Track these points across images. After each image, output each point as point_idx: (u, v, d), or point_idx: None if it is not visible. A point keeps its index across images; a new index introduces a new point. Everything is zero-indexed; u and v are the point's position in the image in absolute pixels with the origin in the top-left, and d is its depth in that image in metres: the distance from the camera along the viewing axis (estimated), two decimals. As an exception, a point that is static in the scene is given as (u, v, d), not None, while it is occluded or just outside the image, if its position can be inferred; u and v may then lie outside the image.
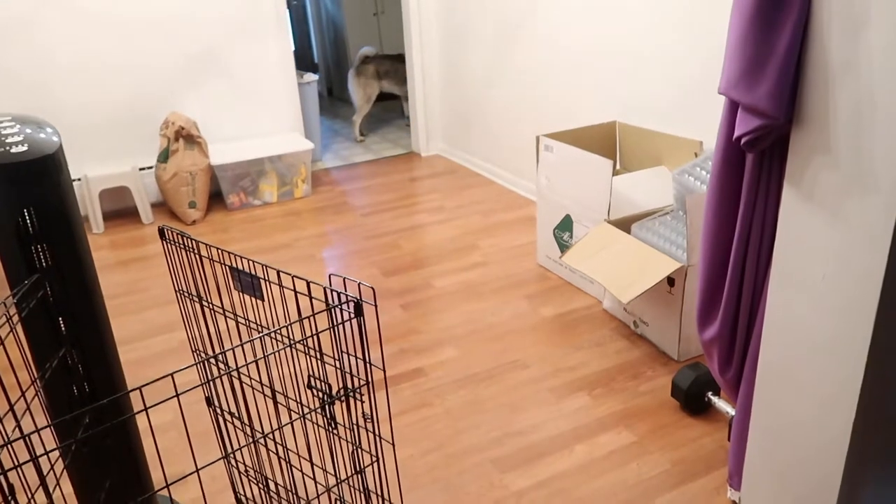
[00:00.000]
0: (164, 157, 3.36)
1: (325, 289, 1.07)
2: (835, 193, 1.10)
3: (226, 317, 1.38)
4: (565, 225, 2.58)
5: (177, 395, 0.87)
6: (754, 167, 1.28)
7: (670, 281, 2.01)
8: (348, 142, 4.71)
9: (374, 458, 1.12)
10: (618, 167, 2.77)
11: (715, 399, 1.78)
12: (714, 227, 1.40)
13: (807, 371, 1.22)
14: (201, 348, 1.47)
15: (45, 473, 0.91)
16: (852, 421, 1.15)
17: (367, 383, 1.10)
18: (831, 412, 1.18)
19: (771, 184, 1.26)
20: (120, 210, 3.47)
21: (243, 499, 1.52)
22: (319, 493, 1.35)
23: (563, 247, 2.59)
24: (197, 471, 0.91)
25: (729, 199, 1.36)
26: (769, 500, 1.37)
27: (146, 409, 0.86)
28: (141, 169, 3.46)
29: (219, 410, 1.38)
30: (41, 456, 0.79)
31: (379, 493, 1.13)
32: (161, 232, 1.46)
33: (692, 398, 1.80)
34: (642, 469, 1.66)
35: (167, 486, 0.86)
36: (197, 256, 1.39)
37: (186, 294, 1.50)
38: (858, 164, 1.06)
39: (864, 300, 1.10)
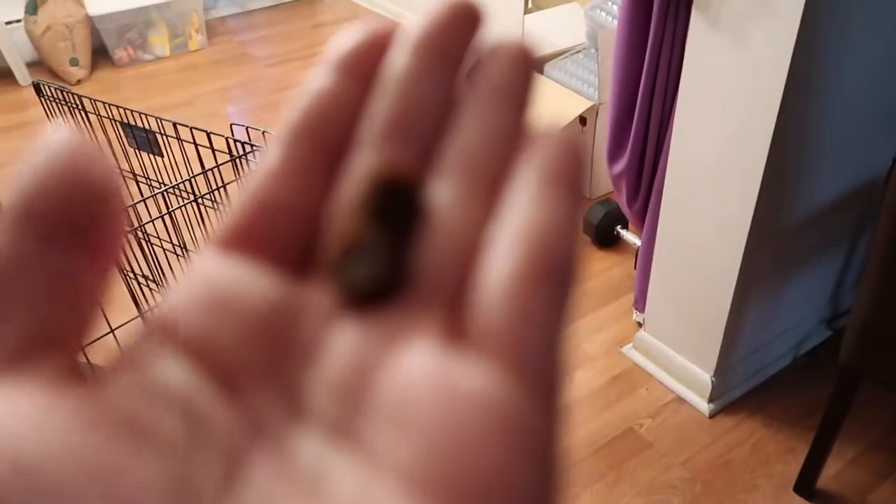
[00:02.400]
0: (33, 7, 2.99)
1: (227, 139, 1.02)
2: (740, 17, 1.10)
3: (125, 179, 1.30)
4: (478, 68, 2.51)
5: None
6: (664, -5, 1.26)
7: (582, 120, 2.03)
8: (243, -14, 4.31)
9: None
10: (529, 5, 2.68)
11: (623, 232, 1.87)
12: (623, 61, 1.39)
13: (707, 197, 1.28)
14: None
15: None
16: (745, 241, 1.24)
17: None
18: (727, 234, 1.26)
19: (679, 13, 1.25)
20: (-10, 71, 3.12)
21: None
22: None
23: (477, 91, 2.54)
24: (112, 331, 0.89)
25: (638, 32, 1.34)
26: (669, 317, 1.49)
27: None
28: (7, 23, 3.07)
29: (130, 274, 1.34)
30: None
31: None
32: (37, 88, 1.33)
33: (602, 232, 1.88)
34: (556, 301, 1.76)
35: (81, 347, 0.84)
36: (82, 114, 1.28)
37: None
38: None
39: (761, 125, 1.14)
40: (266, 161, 0.15)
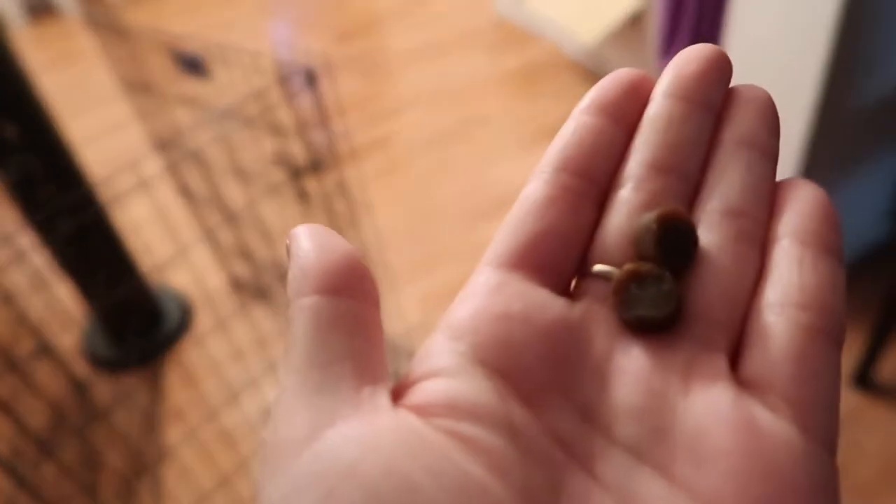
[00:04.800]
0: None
1: (271, 58, 1.02)
2: None
3: (180, 105, 1.33)
4: (521, -35, 2.40)
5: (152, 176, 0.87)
6: None
7: (636, 19, 1.94)
8: None
9: (351, 222, 1.16)
10: None
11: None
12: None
13: (767, 85, 1.23)
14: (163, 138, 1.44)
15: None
16: (804, 133, 1.19)
17: (333, 152, 1.10)
18: (785, 126, 1.22)
19: None
20: (36, 2, 3.15)
21: (234, 278, 1.60)
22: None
23: (521, -10, 2.44)
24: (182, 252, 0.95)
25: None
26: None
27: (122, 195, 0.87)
28: (46, -49, 3.07)
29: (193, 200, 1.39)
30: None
31: (361, 252, 1.19)
32: (87, 19, 1.35)
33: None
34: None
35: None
36: (132, 43, 1.30)
37: (134, 85, 1.43)
38: None
39: (823, 7, 1.07)
40: (535, 190, 0.17)
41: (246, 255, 1.29)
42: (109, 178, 0.84)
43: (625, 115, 0.18)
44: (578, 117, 0.18)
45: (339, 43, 2.59)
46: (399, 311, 1.39)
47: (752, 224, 0.16)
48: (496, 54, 2.41)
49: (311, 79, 1.05)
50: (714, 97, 0.18)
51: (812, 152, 1.23)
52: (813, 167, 1.26)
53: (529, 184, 0.17)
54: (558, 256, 0.16)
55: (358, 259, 0.15)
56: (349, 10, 2.82)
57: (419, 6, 2.78)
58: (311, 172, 1.15)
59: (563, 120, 0.18)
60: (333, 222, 1.15)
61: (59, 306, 0.97)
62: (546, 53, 2.37)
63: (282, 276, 1.39)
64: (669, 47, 1.46)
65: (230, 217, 1.09)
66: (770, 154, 0.18)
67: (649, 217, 0.16)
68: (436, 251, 1.69)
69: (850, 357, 1.30)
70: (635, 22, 1.95)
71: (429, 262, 1.66)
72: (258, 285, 1.38)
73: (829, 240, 0.16)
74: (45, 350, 0.94)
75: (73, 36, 2.94)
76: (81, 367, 1.36)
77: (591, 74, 2.21)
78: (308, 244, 0.15)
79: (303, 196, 1.15)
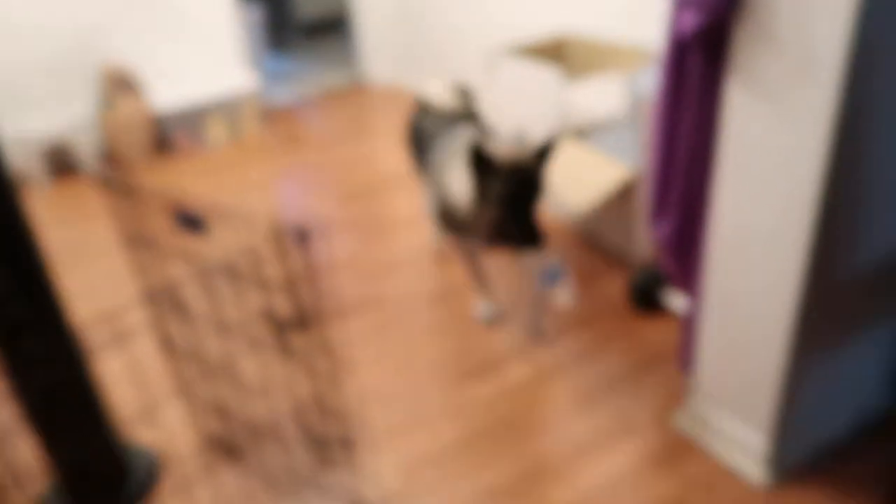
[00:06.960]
0: (104, 105, 3.23)
1: (270, 221, 1.06)
2: (778, 86, 1.10)
3: (176, 260, 1.36)
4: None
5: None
6: (702, 66, 1.27)
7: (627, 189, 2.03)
8: (296, 74, 4.56)
9: (332, 381, 1.14)
10: (567, 78, 2.74)
11: (667, 295, 1.83)
12: (664, 127, 1.40)
13: (753, 256, 1.25)
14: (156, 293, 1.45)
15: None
16: (794, 303, 1.19)
17: (319, 310, 1.10)
18: (775, 293, 1.22)
19: (718, 81, 1.26)
20: (61, 161, 3.35)
21: (209, 436, 1.54)
22: (278, 419, 1.37)
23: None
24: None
25: (675, 100, 1.35)
26: (719, 378, 1.43)
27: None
28: (78, 119, 3.32)
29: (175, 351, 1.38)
30: None
31: (339, 411, 1.16)
32: (103, 182, 1.42)
33: (646, 296, 1.85)
34: (601, 367, 1.72)
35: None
36: (140, 202, 1.36)
37: (134, 240, 1.47)
38: (802, 51, 1.05)
39: (804, 188, 1.11)
40: None
41: (222, 411, 1.25)
42: (89, 328, 0.83)
43: None
44: None
45: (341, 206, 2.70)
46: (378, 476, 1.32)
47: None
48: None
49: (302, 237, 1.07)
50: None
51: (804, 322, 1.22)
52: (807, 336, 1.24)
53: None
54: None
55: None
56: (355, 178, 2.97)
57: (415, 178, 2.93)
58: (296, 329, 1.14)
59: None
60: (314, 380, 1.12)
61: (21, 463, 0.92)
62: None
63: (255, 434, 1.33)
64: (659, 218, 1.50)
65: (209, 371, 1.07)
66: None
67: None
68: (420, 412, 1.63)
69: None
70: (625, 192, 2.04)
71: (411, 423, 1.60)
72: (231, 443, 1.32)
73: None
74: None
75: (89, 194, 3.08)
76: (38, 531, 1.27)
77: (583, 238, 2.27)
78: None
79: (286, 352, 1.13)
